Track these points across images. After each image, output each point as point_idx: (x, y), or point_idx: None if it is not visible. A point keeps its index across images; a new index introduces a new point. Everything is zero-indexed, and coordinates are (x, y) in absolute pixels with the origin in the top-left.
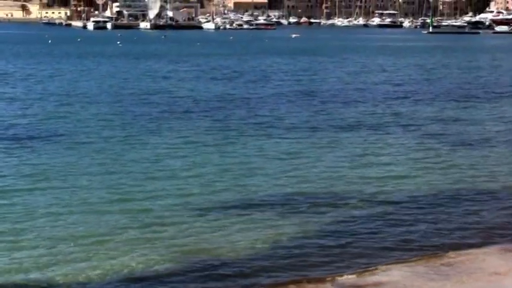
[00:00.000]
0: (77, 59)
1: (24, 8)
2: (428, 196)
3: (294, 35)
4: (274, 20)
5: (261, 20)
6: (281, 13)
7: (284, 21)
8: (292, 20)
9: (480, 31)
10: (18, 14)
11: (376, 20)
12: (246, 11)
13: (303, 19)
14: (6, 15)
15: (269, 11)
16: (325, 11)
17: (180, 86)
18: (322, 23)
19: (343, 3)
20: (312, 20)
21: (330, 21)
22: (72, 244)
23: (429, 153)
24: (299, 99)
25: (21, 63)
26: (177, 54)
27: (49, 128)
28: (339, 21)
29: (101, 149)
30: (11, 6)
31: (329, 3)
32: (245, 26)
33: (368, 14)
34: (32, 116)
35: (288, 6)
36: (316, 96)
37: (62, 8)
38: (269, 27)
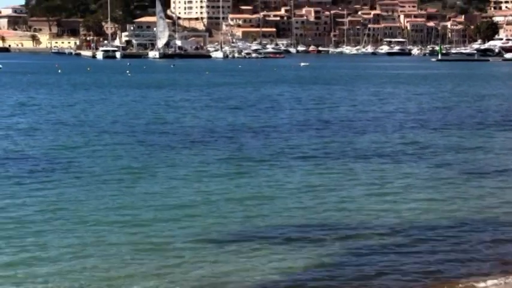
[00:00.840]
0: (87, 88)
1: (34, 38)
2: (446, 226)
3: (302, 64)
4: (283, 48)
5: (270, 48)
6: (289, 42)
7: (293, 50)
8: (301, 48)
9: (490, 58)
10: (29, 44)
11: (384, 48)
12: (255, 40)
13: (312, 47)
14: (17, 45)
15: (277, 39)
16: (333, 39)
17: (191, 115)
18: (330, 51)
19: (351, 32)
20: (321, 48)
21: (339, 50)
22: (85, 278)
23: (444, 183)
24: (311, 128)
25: (32, 93)
26: (187, 83)
27: (61, 159)
28: (347, 49)
29: (114, 179)
30: (21, 36)
31: (337, 31)
32: (254, 55)
33: (376, 42)
34: (44, 147)
35: (297, 35)
36: (328, 125)
37: (72, 38)
38: (278, 55)
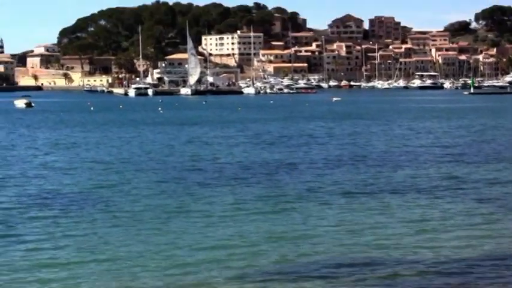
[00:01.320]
0: (120, 126)
1: (66, 76)
2: (486, 264)
3: (335, 99)
4: (315, 83)
5: (301, 83)
6: (321, 77)
7: (324, 85)
8: (333, 83)
9: None
10: (61, 82)
11: (416, 82)
12: (286, 75)
13: (343, 82)
14: (50, 83)
15: (309, 74)
16: (365, 73)
17: (226, 152)
18: (362, 86)
19: (382, 66)
20: (352, 83)
21: (370, 84)
22: None
23: (483, 218)
24: (347, 164)
25: (65, 131)
26: (220, 120)
27: (97, 197)
28: (379, 84)
29: (149, 218)
30: (53, 74)
31: (369, 66)
32: (285, 90)
33: (408, 76)
34: (79, 185)
35: (328, 70)
36: (364, 160)
37: (104, 76)
38: (309, 90)
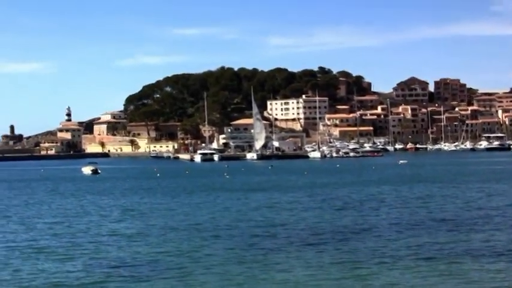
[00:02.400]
0: (188, 192)
1: (133, 143)
2: None
3: (401, 161)
4: (380, 146)
5: (367, 147)
6: (387, 140)
7: (390, 148)
8: (398, 146)
9: None
10: (127, 149)
11: (483, 144)
12: (352, 139)
13: (409, 145)
14: (116, 150)
15: (375, 137)
16: (431, 136)
17: (296, 217)
18: (428, 148)
19: (449, 128)
20: (419, 146)
21: (437, 146)
22: None
23: None
24: (420, 228)
25: (134, 198)
26: (287, 185)
27: (169, 264)
28: (445, 146)
29: (224, 285)
30: (120, 141)
31: (435, 128)
32: (351, 154)
33: (475, 138)
34: (150, 252)
35: (394, 133)
36: (438, 224)
37: (170, 142)
38: (375, 154)
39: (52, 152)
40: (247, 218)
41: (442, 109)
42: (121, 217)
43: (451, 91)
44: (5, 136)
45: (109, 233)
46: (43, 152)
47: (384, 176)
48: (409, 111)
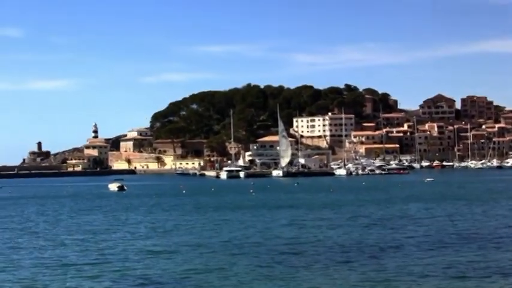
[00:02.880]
0: (215, 209)
1: (159, 160)
2: None
3: (428, 179)
4: (406, 164)
5: (393, 164)
6: (413, 157)
7: (416, 165)
8: (425, 163)
9: None
10: (154, 166)
11: (510, 161)
12: (378, 156)
13: (436, 162)
14: (142, 167)
15: (401, 155)
16: (457, 153)
17: (324, 234)
18: (455, 166)
19: (475, 146)
20: (445, 163)
21: (463, 164)
22: None
23: None
24: (450, 245)
25: (162, 215)
26: (313, 202)
27: (199, 282)
28: (472, 164)
29: None
30: (146, 158)
31: (461, 145)
32: (377, 171)
33: (502, 156)
34: (178, 269)
35: (420, 150)
36: (468, 241)
37: (196, 159)
38: (401, 171)
39: (79, 168)
40: (274, 235)
41: (468, 126)
42: (148, 234)
43: (477, 108)
44: (33, 153)
45: (137, 250)
46: (70, 169)
47: (411, 194)
48: (436, 129)
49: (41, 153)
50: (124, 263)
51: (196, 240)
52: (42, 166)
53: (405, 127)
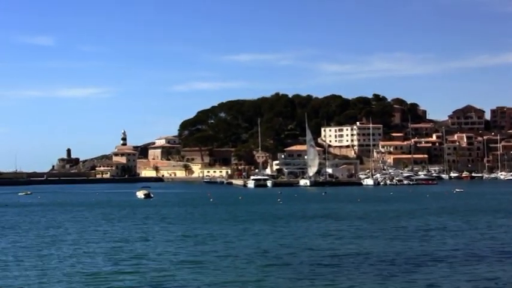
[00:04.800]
0: (245, 219)
1: (186, 168)
2: None
3: (457, 190)
4: (435, 174)
5: (421, 175)
6: (442, 168)
7: (445, 176)
8: (453, 174)
9: None
10: (181, 173)
11: None
12: (406, 166)
13: (465, 173)
14: (170, 174)
15: (429, 165)
16: (487, 164)
17: (361, 246)
18: (484, 177)
19: (505, 157)
20: (474, 174)
21: (493, 175)
22: None
23: None
24: (488, 258)
25: (191, 225)
26: (342, 212)
27: None
28: (502, 175)
29: None
30: (174, 166)
31: (491, 157)
32: (405, 182)
33: None
34: (211, 280)
35: (449, 161)
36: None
37: (223, 167)
38: (430, 182)
39: (107, 175)
40: (307, 246)
41: (498, 137)
42: (180, 244)
43: (508, 119)
44: (62, 159)
45: (172, 261)
46: (98, 176)
47: (442, 205)
48: (465, 140)
49: (70, 160)
50: (158, 274)
51: (230, 251)
52: (71, 173)
53: (434, 137)
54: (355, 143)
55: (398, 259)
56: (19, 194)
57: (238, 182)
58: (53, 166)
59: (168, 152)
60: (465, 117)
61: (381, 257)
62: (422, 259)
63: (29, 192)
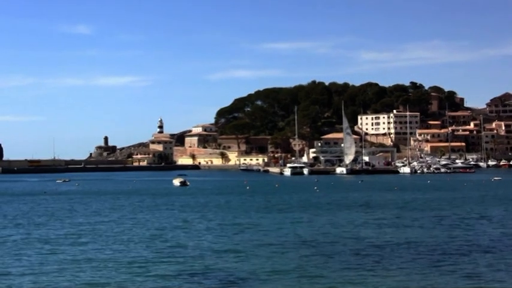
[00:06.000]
0: (285, 207)
1: (223, 156)
2: None
3: (495, 178)
4: (473, 163)
5: (459, 163)
6: (479, 156)
7: (483, 164)
8: (491, 162)
9: None
10: (218, 161)
11: None
12: (443, 155)
13: (503, 162)
14: (206, 162)
15: (467, 154)
16: None
17: (405, 235)
18: None
19: None
20: None
21: None
22: None
23: None
24: None
25: (230, 213)
26: (380, 201)
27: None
28: None
29: None
30: (210, 154)
31: None
32: (442, 170)
33: None
34: (251, 269)
35: (487, 149)
36: None
37: (260, 155)
38: (467, 170)
39: (144, 163)
40: (349, 235)
41: None
42: (220, 232)
43: None
44: (99, 147)
45: (212, 250)
46: (135, 164)
47: (482, 193)
48: (503, 128)
49: (107, 148)
50: (202, 261)
51: (269, 239)
52: (108, 160)
53: (471, 126)
54: (392, 131)
55: (440, 248)
56: (57, 181)
57: (275, 169)
58: (91, 154)
59: (204, 140)
60: (503, 105)
61: (423, 246)
62: (466, 249)
63: (67, 180)
